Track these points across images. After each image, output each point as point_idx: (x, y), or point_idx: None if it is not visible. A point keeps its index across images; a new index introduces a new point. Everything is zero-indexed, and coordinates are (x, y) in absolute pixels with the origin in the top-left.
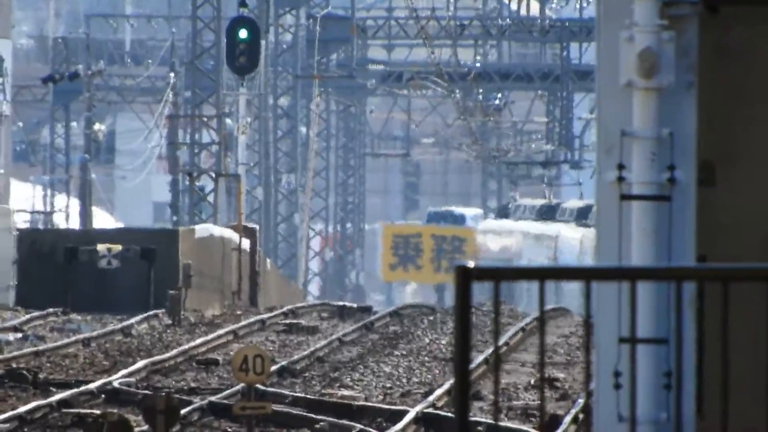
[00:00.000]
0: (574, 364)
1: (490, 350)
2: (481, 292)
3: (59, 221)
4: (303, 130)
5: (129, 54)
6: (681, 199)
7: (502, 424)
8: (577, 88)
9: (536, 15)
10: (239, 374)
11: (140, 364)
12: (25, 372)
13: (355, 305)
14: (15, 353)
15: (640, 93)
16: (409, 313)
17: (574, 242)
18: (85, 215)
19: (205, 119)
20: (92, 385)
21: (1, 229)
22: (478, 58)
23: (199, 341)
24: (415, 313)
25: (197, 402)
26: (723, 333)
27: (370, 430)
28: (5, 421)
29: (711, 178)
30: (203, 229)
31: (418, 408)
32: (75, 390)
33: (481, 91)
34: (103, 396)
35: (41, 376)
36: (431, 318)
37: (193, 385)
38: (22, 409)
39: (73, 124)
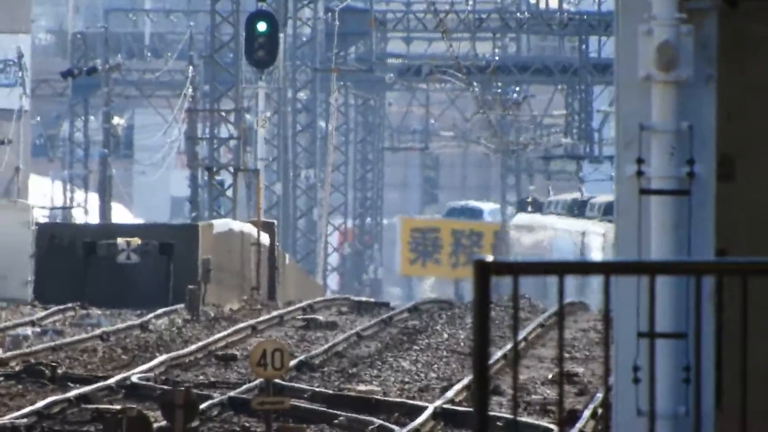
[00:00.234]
0: (593, 359)
1: (509, 345)
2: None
3: (78, 216)
4: (322, 124)
5: (148, 48)
6: (700, 193)
7: (520, 419)
8: (596, 81)
9: (554, 8)
10: (258, 369)
11: (159, 359)
12: (43, 367)
13: (373, 300)
14: (33, 348)
15: (659, 86)
16: (428, 308)
17: (600, 238)
18: (105, 210)
19: (224, 113)
20: (111, 380)
21: (20, 224)
22: (497, 51)
23: (217, 336)
24: (433, 308)
25: (217, 397)
26: (742, 327)
27: (389, 425)
28: (23, 416)
29: (730, 173)
30: (222, 224)
31: (437, 403)
32: (94, 385)
33: (499, 84)
34: (122, 391)
35: (59, 371)
36: (450, 313)
37: (212, 379)
38: (41, 404)
39: (92, 118)
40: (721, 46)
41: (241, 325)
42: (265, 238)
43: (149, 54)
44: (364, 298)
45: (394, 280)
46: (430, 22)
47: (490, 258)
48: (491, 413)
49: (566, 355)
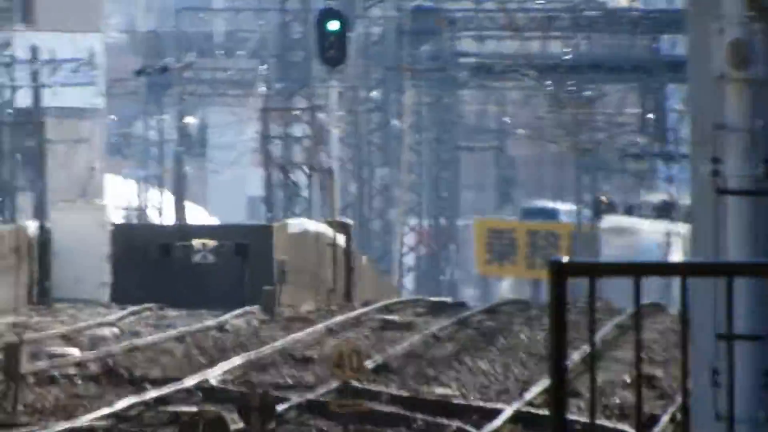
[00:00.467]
0: (672, 362)
1: (586, 347)
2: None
3: (152, 216)
4: (395, 123)
5: (218, 46)
6: None
7: (598, 422)
8: (670, 80)
9: (626, 6)
10: (336, 371)
11: (236, 360)
12: (120, 368)
13: (449, 300)
14: (111, 350)
15: (732, 85)
16: (505, 309)
17: (682, 240)
18: (179, 210)
19: (297, 113)
20: (188, 383)
21: (95, 225)
22: (569, 49)
23: (294, 337)
24: (511, 309)
25: (293, 399)
26: None
27: (467, 428)
28: (102, 418)
29: None
30: (297, 225)
31: (515, 406)
32: (171, 387)
33: (572, 82)
34: (199, 393)
35: (137, 372)
36: (527, 314)
37: (289, 381)
38: (118, 406)
39: (166, 117)
40: None
41: (318, 326)
42: (340, 239)
43: (222, 52)
44: (440, 299)
45: (470, 281)
46: (500, 21)
47: (565, 259)
48: (569, 417)
49: (645, 357)
